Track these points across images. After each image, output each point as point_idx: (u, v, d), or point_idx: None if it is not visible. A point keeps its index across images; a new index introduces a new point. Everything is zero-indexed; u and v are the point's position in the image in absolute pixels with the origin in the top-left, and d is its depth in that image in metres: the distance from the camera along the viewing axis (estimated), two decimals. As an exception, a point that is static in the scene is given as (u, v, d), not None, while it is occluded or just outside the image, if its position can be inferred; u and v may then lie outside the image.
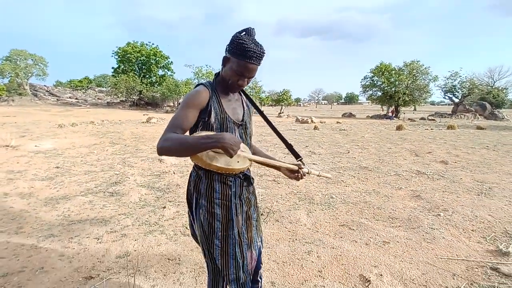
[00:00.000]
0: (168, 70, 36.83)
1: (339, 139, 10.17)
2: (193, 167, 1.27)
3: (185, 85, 30.25)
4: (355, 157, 6.62)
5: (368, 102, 40.29)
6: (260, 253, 1.34)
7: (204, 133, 1.11)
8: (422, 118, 26.09)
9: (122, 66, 33.01)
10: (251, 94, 39.95)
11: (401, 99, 30.53)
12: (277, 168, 1.28)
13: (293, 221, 2.92)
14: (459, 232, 2.72)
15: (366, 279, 1.94)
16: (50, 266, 2.01)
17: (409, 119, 26.21)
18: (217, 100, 1.20)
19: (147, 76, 34.31)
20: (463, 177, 4.77)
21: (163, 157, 3.73)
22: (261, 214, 3.08)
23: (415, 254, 2.31)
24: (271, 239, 2.51)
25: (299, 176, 1.28)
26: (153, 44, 35.08)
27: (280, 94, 37.99)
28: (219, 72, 1.24)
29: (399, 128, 14.79)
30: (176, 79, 34.15)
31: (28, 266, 2.00)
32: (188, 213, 1.31)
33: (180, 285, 1.84)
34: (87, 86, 47.72)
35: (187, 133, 1.15)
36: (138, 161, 5.62)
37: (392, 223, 2.94)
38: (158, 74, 35.72)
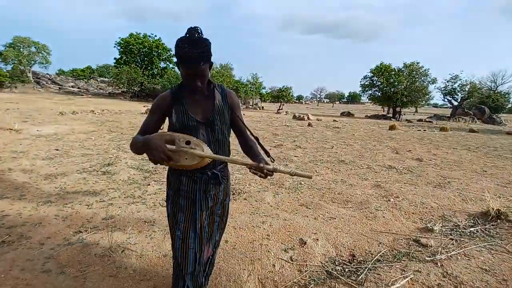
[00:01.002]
0: (170, 63, 37.09)
1: (328, 136, 10.57)
2: None
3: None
4: (337, 152, 7.03)
5: (370, 102, 40.51)
6: (216, 246, 1.47)
7: (170, 132, 1.23)
8: (420, 120, 26.42)
9: (125, 57, 33.33)
10: (251, 89, 40.24)
11: (399, 100, 30.81)
12: (240, 164, 1.26)
13: (259, 200, 3.35)
14: (400, 213, 3.15)
15: (304, 241, 2.38)
16: (47, 222, 2.45)
17: (406, 120, 26.57)
18: (180, 102, 1.26)
19: (149, 68, 34.62)
20: (429, 173, 5.18)
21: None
22: (232, 194, 3.51)
23: (353, 227, 2.74)
24: (236, 212, 2.95)
25: (263, 173, 1.21)
26: (156, 36, 35.34)
27: (280, 91, 38.27)
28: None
29: (392, 128, 15.17)
30: (178, 72, 34.50)
31: (29, 221, 2.45)
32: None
33: (151, 239, 2.28)
34: (89, 76, 48.07)
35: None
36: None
37: (345, 205, 3.37)
38: (160, 67, 36.02)
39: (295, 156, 6.20)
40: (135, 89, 32.55)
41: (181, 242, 1.28)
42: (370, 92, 36.02)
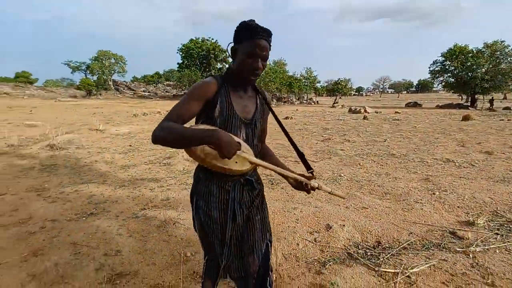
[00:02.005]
0: (225, 63, 39.02)
1: (384, 129, 9.99)
2: (196, 166, 1.23)
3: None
4: (389, 146, 6.71)
5: (444, 90, 35.90)
6: (266, 258, 1.26)
7: (202, 126, 1.04)
8: (507, 108, 22.54)
9: (186, 61, 36.33)
10: (305, 84, 39.64)
11: (478, 86, 26.74)
12: (283, 176, 1.18)
13: (294, 189, 3.56)
14: (443, 207, 3.01)
15: (330, 226, 2.53)
16: (121, 200, 3.12)
17: (488, 108, 22.97)
18: (226, 94, 1.12)
19: (207, 69, 37.04)
20: (496, 167, 4.63)
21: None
22: (271, 184, 3.79)
23: (385, 217, 2.77)
24: (271, 199, 3.23)
25: (307, 190, 1.17)
26: (213, 39, 37.55)
27: (336, 84, 36.81)
28: (229, 66, 1.18)
29: (465, 118, 13.42)
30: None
31: (109, 199, 3.15)
32: (191, 207, 1.26)
33: (196, 217, 2.73)
34: (157, 81, 53.66)
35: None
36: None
37: (383, 197, 3.35)
38: (217, 67, 38.18)
39: (341, 150, 6.16)
40: (195, 90, 35.23)
41: (221, 246, 1.19)
42: (441, 79, 32.09)
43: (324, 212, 2.84)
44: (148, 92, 41.21)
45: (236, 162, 1.03)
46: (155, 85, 49.57)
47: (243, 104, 1.16)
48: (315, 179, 1.21)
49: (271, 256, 1.32)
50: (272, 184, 3.79)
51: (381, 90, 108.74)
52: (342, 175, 4.22)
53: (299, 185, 1.20)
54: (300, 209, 2.90)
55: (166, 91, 43.27)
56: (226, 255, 1.18)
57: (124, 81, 43.58)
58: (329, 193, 1.21)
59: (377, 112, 18.81)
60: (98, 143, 6.62)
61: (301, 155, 1.26)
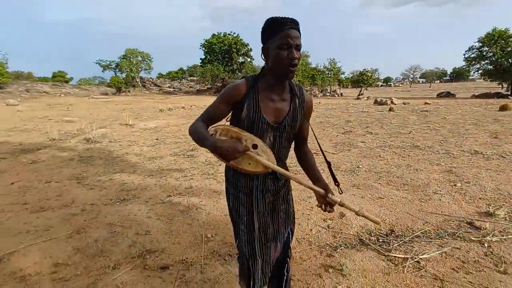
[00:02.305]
0: (247, 57, 39.11)
1: (410, 121, 9.64)
2: None
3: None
4: (413, 137, 6.52)
5: (482, 79, 33.32)
6: (287, 245, 1.33)
7: (233, 127, 1.14)
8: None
9: (208, 57, 36.89)
10: (329, 76, 38.73)
11: (520, 72, 24.64)
12: (305, 186, 1.17)
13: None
14: (463, 198, 2.96)
15: (343, 214, 2.62)
16: (149, 188, 3.41)
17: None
18: (255, 97, 1.14)
19: (229, 64, 37.36)
20: (529, 158, 4.39)
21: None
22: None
23: (400, 207, 2.79)
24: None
25: (326, 205, 1.17)
26: (234, 33, 37.70)
27: (361, 74, 35.60)
28: (263, 68, 1.18)
29: (503, 108, 12.51)
30: (255, 65, 36.11)
31: (139, 187, 3.45)
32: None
33: (217, 203, 2.93)
34: (182, 76, 55.07)
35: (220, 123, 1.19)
36: (211, 136, 7.11)
37: (400, 187, 3.35)
38: (239, 61, 38.38)
39: (362, 142, 6.10)
40: (218, 85, 35.76)
41: (246, 236, 1.24)
42: (478, 66, 29.94)
43: (339, 201, 2.92)
44: (173, 88, 42.49)
45: (250, 164, 1.11)
46: (179, 81, 50.94)
47: (274, 107, 1.16)
48: (341, 193, 1.24)
49: (291, 245, 1.40)
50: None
51: (411, 80, 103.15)
52: (360, 166, 4.23)
53: (321, 200, 1.19)
54: (315, 198, 3.00)
55: (190, 87, 44.33)
56: (252, 247, 1.24)
57: (151, 78, 45.24)
58: (357, 213, 1.14)
59: (405, 104, 18.03)
60: (128, 137, 7.09)
61: (328, 164, 1.30)
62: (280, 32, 1.05)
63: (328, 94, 39.74)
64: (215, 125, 1.17)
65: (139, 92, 34.49)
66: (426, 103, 17.91)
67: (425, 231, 2.36)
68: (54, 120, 10.67)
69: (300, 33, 1.09)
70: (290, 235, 1.37)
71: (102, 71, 37.74)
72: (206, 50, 37.23)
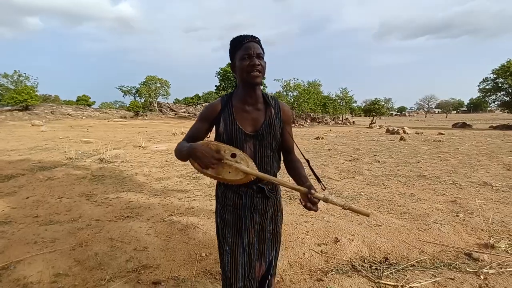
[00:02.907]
0: (260, 85, 40.37)
1: (421, 150, 9.53)
2: None
3: (270, 97, 32.52)
4: (421, 167, 6.44)
5: (502, 110, 32.66)
6: (271, 264, 1.36)
7: (200, 143, 1.17)
8: None
9: (223, 84, 38.36)
10: (341, 104, 39.10)
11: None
12: (287, 187, 1.17)
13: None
14: (465, 229, 2.90)
15: (338, 239, 2.62)
16: (153, 207, 3.54)
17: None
18: (230, 111, 1.22)
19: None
20: (541, 192, 4.26)
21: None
22: (289, 199, 3.95)
23: (397, 235, 2.77)
24: (286, 213, 3.38)
25: (309, 202, 1.12)
26: (249, 63, 39.36)
27: (372, 103, 35.76)
28: (236, 84, 1.29)
29: (520, 140, 12.19)
30: (267, 93, 37.13)
31: (143, 206, 3.59)
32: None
33: (214, 222, 2.99)
34: (197, 102, 57.02)
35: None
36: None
37: (400, 216, 3.32)
38: (252, 89, 39.57)
39: (368, 170, 6.08)
40: (231, 111, 36.76)
41: (230, 257, 1.25)
42: (493, 97, 29.59)
43: (335, 226, 2.93)
44: (188, 113, 43.92)
45: (229, 172, 1.12)
46: (194, 106, 52.73)
47: (250, 117, 1.23)
48: (323, 190, 1.25)
49: (277, 263, 1.43)
50: (290, 199, 3.95)
51: (427, 110, 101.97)
52: (362, 193, 4.23)
53: (304, 198, 1.15)
54: (311, 223, 3.03)
55: (205, 112, 45.66)
56: (245, 262, 1.24)
57: (167, 103, 47.11)
58: (343, 207, 1.09)
59: (417, 133, 17.83)
60: (140, 158, 7.37)
61: (307, 161, 1.33)
62: (241, 46, 1.18)
63: (340, 122, 39.86)
64: (198, 142, 1.21)
65: (156, 116, 35.85)
66: (440, 133, 17.65)
67: (420, 260, 2.33)
68: (73, 140, 11.24)
69: (260, 45, 1.21)
70: (275, 256, 1.39)
71: (123, 96, 39.80)
72: (221, 77, 38.85)
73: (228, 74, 37.75)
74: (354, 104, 42.50)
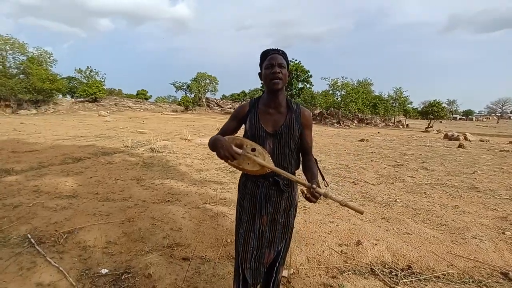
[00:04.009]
0: (307, 83, 39.69)
1: (480, 160, 8.57)
2: None
3: (323, 96, 31.71)
4: (476, 178, 5.86)
5: None
6: (279, 254, 1.49)
7: (228, 137, 1.36)
8: None
9: (269, 82, 38.63)
10: (394, 105, 36.49)
11: None
12: (293, 180, 1.31)
13: (340, 207, 3.68)
14: (509, 248, 2.65)
15: (360, 242, 2.63)
16: (190, 194, 3.90)
17: None
18: (255, 112, 1.42)
19: (288, 89, 38.40)
20: None
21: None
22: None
23: (426, 245, 2.65)
24: (313, 212, 3.45)
25: (311, 195, 1.24)
26: (296, 60, 38.95)
27: (430, 105, 32.65)
28: (263, 90, 1.47)
29: None
30: (313, 91, 36.37)
31: (182, 193, 3.98)
32: None
33: (243, 215, 3.22)
34: (243, 98, 58.38)
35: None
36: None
37: (435, 227, 3.14)
38: (298, 87, 39.16)
39: (411, 177, 5.74)
40: (275, 108, 36.92)
41: (243, 239, 1.43)
42: None
43: (360, 230, 2.92)
44: (233, 108, 45.18)
45: (248, 163, 1.30)
46: (240, 102, 54.10)
47: (271, 118, 1.40)
48: (326, 186, 1.38)
49: (286, 254, 1.55)
50: (320, 199, 3.98)
51: (499, 115, 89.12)
52: (398, 200, 4.06)
53: (307, 192, 1.25)
54: (336, 223, 3.06)
55: (250, 109, 46.65)
56: (255, 246, 1.41)
57: (215, 99, 49.23)
58: (341, 203, 1.18)
59: (482, 141, 15.91)
60: (184, 150, 7.98)
61: (314, 160, 1.48)
62: (266, 58, 1.37)
63: (391, 124, 37.28)
64: (226, 137, 1.39)
65: (203, 111, 37.77)
66: (511, 142, 15.49)
67: (447, 273, 2.24)
68: (131, 130, 12.56)
69: (284, 57, 1.38)
70: (284, 247, 1.51)
71: (175, 91, 42.68)
72: (267, 75, 39.19)
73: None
74: (410, 106, 39.30)
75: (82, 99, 31.50)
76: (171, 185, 4.36)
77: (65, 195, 3.69)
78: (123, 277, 2.00)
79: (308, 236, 2.74)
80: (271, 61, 1.34)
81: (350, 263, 2.35)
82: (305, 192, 1.27)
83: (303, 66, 38.57)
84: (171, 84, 41.49)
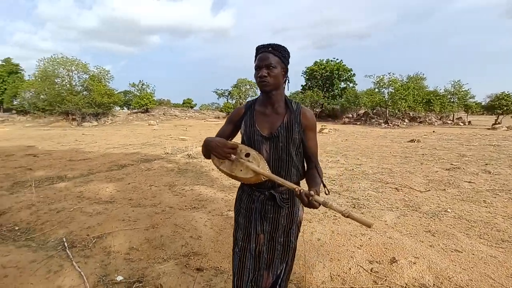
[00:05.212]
0: (350, 82, 37.95)
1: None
2: None
3: (368, 95, 29.92)
4: (556, 183, 4.85)
5: None
6: (279, 278, 1.33)
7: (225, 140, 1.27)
8: None
9: (309, 83, 37.89)
10: (452, 100, 32.78)
11: None
12: (288, 186, 1.15)
13: (376, 216, 3.30)
14: None
15: (395, 260, 2.28)
16: (216, 201, 3.88)
17: None
18: (251, 114, 1.31)
19: (330, 90, 37.17)
20: None
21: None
22: (353, 207, 3.64)
23: (481, 266, 2.20)
24: (344, 222, 3.14)
25: (308, 202, 1.08)
26: (337, 59, 37.58)
27: (497, 99, 28.54)
28: None
29: None
30: (357, 90, 34.56)
31: (209, 199, 3.98)
32: None
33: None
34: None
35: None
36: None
37: (495, 244, 2.61)
38: (340, 87, 37.67)
39: (468, 182, 4.98)
40: (316, 110, 35.90)
41: (238, 260, 1.31)
42: None
43: (397, 245, 2.55)
44: (275, 112, 45.28)
45: (241, 170, 1.18)
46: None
47: (268, 120, 1.27)
48: (327, 194, 1.23)
49: (288, 279, 1.38)
50: (354, 207, 3.64)
51: None
52: (449, 210, 3.50)
53: (303, 199, 1.09)
54: (369, 236, 2.73)
55: (290, 112, 46.22)
56: (252, 267, 1.29)
57: (256, 104, 49.71)
58: (343, 214, 1.04)
59: None
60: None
61: (317, 170, 1.29)
62: (256, 57, 1.26)
63: (450, 121, 33.48)
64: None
65: (244, 116, 38.39)
66: None
67: (508, 304, 1.80)
68: (174, 138, 13.28)
69: (275, 54, 1.22)
70: (285, 270, 1.34)
71: (218, 98, 44.18)
72: (307, 77, 38.47)
73: (315, 73, 37.05)
74: (471, 100, 34.86)
75: (136, 110, 34.50)
76: (200, 191, 4.40)
77: (103, 200, 3.95)
78: (134, 286, 2.01)
79: (334, 250, 2.49)
80: (259, 62, 1.23)
81: (381, 284, 2.05)
82: (305, 200, 1.10)
83: (345, 65, 37.04)
84: (213, 92, 43.14)
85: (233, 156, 1.19)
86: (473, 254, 2.40)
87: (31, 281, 2.02)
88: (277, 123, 1.26)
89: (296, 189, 1.11)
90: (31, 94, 27.02)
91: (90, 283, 2.03)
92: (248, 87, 40.02)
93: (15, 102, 31.67)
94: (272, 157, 1.25)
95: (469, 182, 5.00)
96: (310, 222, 3.11)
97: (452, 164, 6.83)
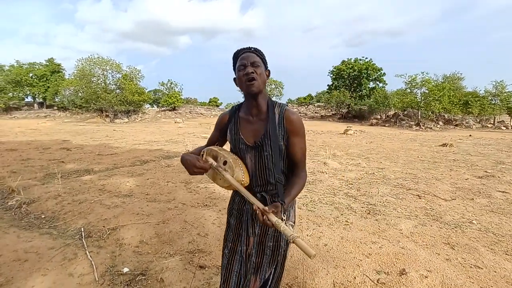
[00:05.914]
0: (379, 82, 36.47)
1: None
2: None
3: (398, 95, 28.54)
4: None
5: None
6: (266, 283, 1.29)
7: (206, 149, 1.28)
8: None
9: (336, 83, 36.94)
10: (493, 102, 30.32)
11: None
12: (250, 201, 1.11)
13: (391, 224, 3.14)
14: None
15: (405, 271, 2.15)
16: (227, 199, 3.90)
17: None
18: (235, 121, 1.27)
19: (357, 90, 35.97)
20: None
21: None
22: (368, 213, 3.49)
23: (502, 285, 2.00)
24: (356, 229, 3.02)
25: (262, 221, 1.03)
26: (366, 58, 36.27)
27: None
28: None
29: None
30: (386, 91, 33.12)
31: (220, 197, 4.03)
32: None
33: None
34: (309, 102, 57.23)
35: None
36: (307, 161, 7.16)
37: (524, 262, 2.36)
38: (368, 87, 36.32)
39: (502, 192, 4.58)
40: (343, 111, 34.94)
41: (227, 261, 1.31)
42: None
43: (410, 256, 2.40)
44: (299, 112, 44.73)
45: (220, 179, 1.19)
46: (306, 106, 53.17)
47: (252, 128, 1.22)
48: (283, 214, 1.07)
49: (276, 286, 1.32)
50: (369, 213, 3.49)
51: None
52: (474, 222, 3.24)
53: (259, 217, 1.04)
54: (380, 245, 2.60)
55: (316, 112, 45.39)
56: (241, 270, 1.28)
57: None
58: (289, 238, 0.99)
59: None
60: (239, 154, 8.17)
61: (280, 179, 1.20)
62: (237, 60, 1.22)
63: (490, 125, 30.98)
64: (208, 147, 1.29)
65: (269, 116, 38.36)
66: None
67: (529, 331, 1.63)
68: (197, 135, 13.60)
69: (258, 54, 1.22)
70: (274, 276, 1.30)
71: (243, 97, 44.67)
72: (334, 76, 37.54)
73: (342, 72, 36.06)
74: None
75: (164, 108, 35.87)
76: (213, 189, 4.47)
77: (122, 194, 4.15)
78: (137, 278, 2.08)
79: (340, 257, 2.40)
80: (243, 61, 1.19)
81: (386, 296, 1.94)
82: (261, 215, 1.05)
83: (374, 64, 35.65)
84: (238, 91, 43.69)
85: (214, 164, 1.18)
86: (495, 272, 2.19)
87: (47, 266, 2.18)
88: (260, 131, 1.21)
89: (254, 207, 1.07)
90: (70, 92, 29.13)
91: (98, 272, 2.14)
92: (273, 86, 39.94)
93: (56, 99, 34.32)
94: (257, 166, 1.21)
95: (503, 192, 4.59)
96: (319, 226, 3.03)
97: (486, 171, 6.31)
